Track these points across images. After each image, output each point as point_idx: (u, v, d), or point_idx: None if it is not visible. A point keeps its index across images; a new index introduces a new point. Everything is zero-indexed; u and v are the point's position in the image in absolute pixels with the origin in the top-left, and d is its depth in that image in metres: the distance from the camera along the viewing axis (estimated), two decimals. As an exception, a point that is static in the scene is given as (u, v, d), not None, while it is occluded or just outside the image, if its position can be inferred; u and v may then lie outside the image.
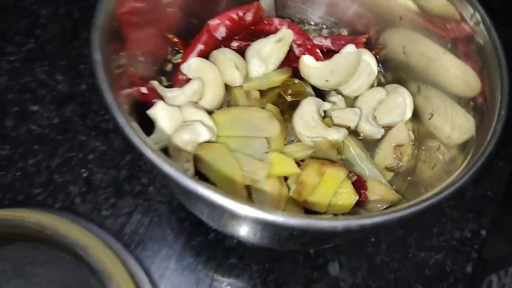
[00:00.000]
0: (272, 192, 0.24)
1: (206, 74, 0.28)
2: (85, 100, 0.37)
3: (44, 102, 0.37)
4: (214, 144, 0.26)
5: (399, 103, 0.29)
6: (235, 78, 0.29)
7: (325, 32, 0.34)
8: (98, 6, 0.22)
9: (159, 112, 0.25)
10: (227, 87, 0.30)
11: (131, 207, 0.34)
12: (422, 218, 0.35)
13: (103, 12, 0.22)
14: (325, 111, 0.29)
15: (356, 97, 0.31)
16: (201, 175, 0.26)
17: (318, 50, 0.31)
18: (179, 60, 0.31)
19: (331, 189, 0.25)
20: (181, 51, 0.31)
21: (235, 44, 0.31)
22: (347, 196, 0.25)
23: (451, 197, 0.19)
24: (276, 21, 0.30)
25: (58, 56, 0.39)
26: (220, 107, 0.29)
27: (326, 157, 0.27)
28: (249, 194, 0.25)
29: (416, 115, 0.31)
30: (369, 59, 0.30)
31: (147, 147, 0.19)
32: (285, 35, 0.30)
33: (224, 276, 0.32)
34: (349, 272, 0.32)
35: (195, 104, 0.27)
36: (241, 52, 0.30)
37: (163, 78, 0.31)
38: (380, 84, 0.33)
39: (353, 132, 0.30)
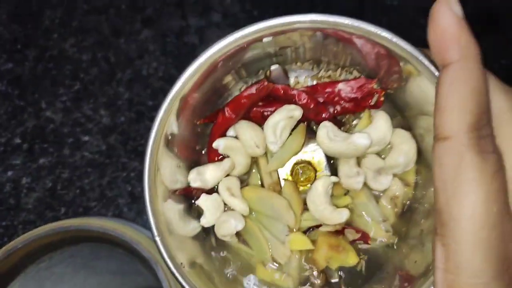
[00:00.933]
0: (294, 268, 0.32)
1: (234, 150, 0.32)
2: (124, 130, 0.47)
3: (92, 133, 0.47)
4: (249, 222, 0.31)
5: (403, 161, 0.31)
6: (257, 153, 0.32)
7: (334, 70, 0.34)
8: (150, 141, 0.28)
9: (203, 203, 0.31)
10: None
11: (166, 212, 0.43)
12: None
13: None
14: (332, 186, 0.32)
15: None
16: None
17: (325, 114, 0.32)
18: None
19: (337, 263, 0.31)
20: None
21: (255, 111, 0.33)
22: (351, 262, 0.31)
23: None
24: (293, 91, 0.32)
25: (99, 95, 0.49)
26: (249, 171, 0.33)
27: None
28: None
29: (420, 155, 0.31)
30: (385, 134, 0.31)
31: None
32: (295, 113, 0.31)
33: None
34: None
35: (230, 187, 0.32)
36: (259, 119, 0.32)
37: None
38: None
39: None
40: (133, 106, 0.48)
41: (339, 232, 0.32)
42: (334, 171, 0.33)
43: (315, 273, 0.32)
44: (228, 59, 0.29)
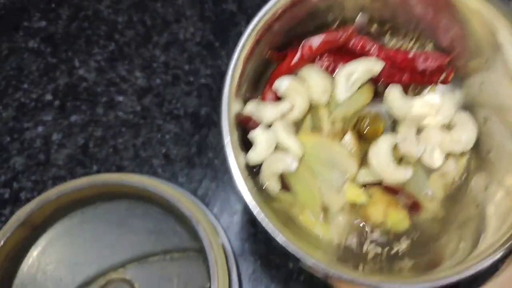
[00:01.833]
0: (342, 220, 0.31)
1: (295, 93, 0.31)
2: (160, 92, 0.46)
3: (127, 94, 0.46)
4: (300, 167, 0.30)
5: (465, 139, 0.31)
6: (321, 100, 0.31)
7: (408, 42, 0.34)
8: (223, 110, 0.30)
9: (258, 136, 0.30)
10: (312, 103, 0.32)
11: (200, 175, 0.42)
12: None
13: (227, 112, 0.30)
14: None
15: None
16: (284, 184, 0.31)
17: (399, 76, 0.32)
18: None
19: (390, 223, 0.30)
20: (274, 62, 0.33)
21: (325, 60, 0.32)
22: (402, 225, 0.30)
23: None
24: (368, 46, 0.32)
25: (135, 57, 0.48)
26: (304, 118, 0.32)
27: (391, 185, 0.31)
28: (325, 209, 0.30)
29: (475, 145, 0.31)
30: (450, 107, 0.31)
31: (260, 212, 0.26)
32: (375, 67, 0.31)
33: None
34: None
35: (287, 126, 0.31)
36: (329, 66, 0.32)
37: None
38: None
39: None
40: (169, 69, 0.47)
41: (394, 192, 0.31)
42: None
43: (367, 228, 0.31)
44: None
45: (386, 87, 0.33)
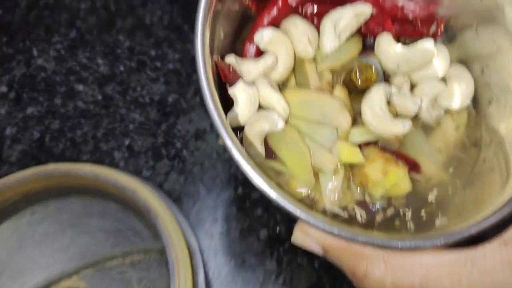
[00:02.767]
0: (337, 180, 0.27)
1: (278, 46, 0.28)
2: (124, 80, 0.42)
3: (87, 82, 0.42)
4: (287, 127, 0.26)
5: (462, 90, 0.29)
6: (307, 52, 0.28)
7: None
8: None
9: (239, 92, 0.26)
10: (297, 58, 0.29)
11: (167, 168, 0.38)
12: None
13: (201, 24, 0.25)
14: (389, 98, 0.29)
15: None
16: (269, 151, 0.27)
17: (390, 24, 0.30)
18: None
19: (390, 184, 0.27)
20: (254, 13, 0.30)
21: (308, 9, 0.30)
22: (403, 188, 0.27)
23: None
24: None
25: (97, 43, 0.44)
26: (289, 77, 0.29)
27: (388, 145, 0.28)
28: (316, 175, 0.27)
29: (474, 98, 0.30)
30: (445, 57, 0.29)
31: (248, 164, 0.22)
32: (364, 11, 0.29)
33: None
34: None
35: (270, 82, 0.28)
36: (313, 17, 0.30)
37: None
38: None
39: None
40: (134, 55, 0.43)
41: (393, 152, 0.27)
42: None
43: (367, 198, 0.27)
44: None
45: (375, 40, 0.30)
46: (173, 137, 0.39)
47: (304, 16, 0.30)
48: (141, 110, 0.41)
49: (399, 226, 0.27)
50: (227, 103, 0.27)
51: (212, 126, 0.40)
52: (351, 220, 0.27)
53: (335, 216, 0.27)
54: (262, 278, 0.34)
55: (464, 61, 0.30)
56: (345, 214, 0.27)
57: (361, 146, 0.27)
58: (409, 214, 0.27)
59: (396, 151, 0.27)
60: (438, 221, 0.26)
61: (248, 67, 0.27)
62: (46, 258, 0.33)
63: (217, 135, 0.37)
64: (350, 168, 0.28)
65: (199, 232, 0.36)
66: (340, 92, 0.28)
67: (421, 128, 0.29)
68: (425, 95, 0.29)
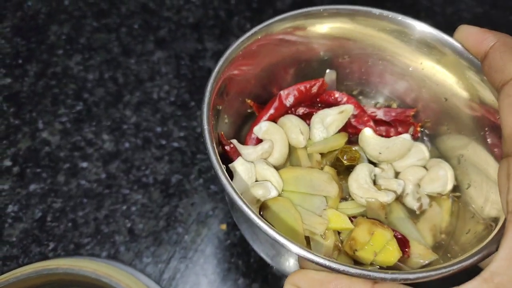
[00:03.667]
0: (328, 244, 0.28)
1: (274, 135, 0.32)
2: (128, 157, 0.42)
3: (92, 159, 0.42)
4: (280, 198, 0.30)
5: (441, 176, 0.32)
6: (299, 141, 0.33)
7: (378, 102, 0.38)
8: (208, 88, 0.27)
9: (238, 166, 0.30)
10: (291, 147, 0.34)
11: (168, 254, 0.38)
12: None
13: (209, 92, 0.27)
14: (374, 178, 0.33)
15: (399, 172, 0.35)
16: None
17: (371, 122, 0.35)
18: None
19: (379, 246, 0.28)
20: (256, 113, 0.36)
21: (300, 110, 0.35)
22: (392, 253, 0.28)
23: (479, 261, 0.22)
24: (337, 94, 0.36)
25: (104, 117, 0.44)
26: (284, 164, 0.33)
27: (375, 217, 0.30)
28: (308, 243, 0.29)
29: (456, 184, 0.33)
30: (423, 148, 0.34)
31: (242, 203, 0.23)
32: (347, 109, 0.34)
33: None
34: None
35: (266, 161, 0.32)
36: (305, 117, 0.35)
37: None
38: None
39: (398, 198, 0.33)
40: (139, 131, 0.43)
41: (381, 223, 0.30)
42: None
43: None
44: (278, 44, 0.32)
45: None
46: (175, 221, 0.39)
47: (297, 114, 0.35)
48: (144, 190, 0.41)
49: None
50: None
51: (214, 210, 0.40)
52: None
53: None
54: None
55: (441, 157, 0.34)
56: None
57: (350, 218, 0.30)
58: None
59: (384, 223, 0.30)
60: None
61: (248, 151, 0.32)
62: None
63: (220, 221, 0.38)
64: (339, 235, 0.30)
65: (198, 325, 0.35)
66: (329, 169, 0.32)
67: (408, 214, 0.32)
68: (409, 180, 0.32)
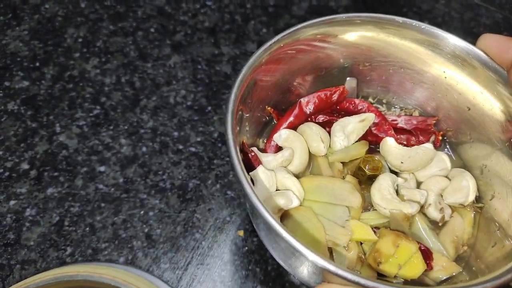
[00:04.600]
0: (351, 256, 0.28)
1: (294, 143, 0.32)
2: (146, 162, 0.42)
3: (109, 163, 0.42)
4: (302, 207, 0.29)
5: (463, 186, 0.32)
6: (320, 149, 0.32)
7: (398, 111, 0.38)
8: (232, 96, 0.27)
9: (260, 174, 0.30)
10: (311, 155, 0.33)
11: (186, 260, 0.38)
12: None
13: (233, 100, 0.27)
14: (396, 188, 0.32)
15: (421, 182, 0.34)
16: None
17: (392, 131, 0.35)
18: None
19: (404, 259, 0.28)
20: (275, 121, 0.36)
21: (320, 118, 0.35)
22: (417, 266, 0.28)
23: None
24: (357, 101, 0.35)
25: (121, 122, 0.44)
26: (304, 172, 0.33)
27: (399, 228, 0.30)
28: (331, 254, 0.29)
29: (479, 195, 0.33)
30: (445, 158, 0.33)
31: (266, 212, 0.23)
32: (368, 117, 0.34)
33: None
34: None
35: (287, 169, 0.31)
36: (325, 125, 0.35)
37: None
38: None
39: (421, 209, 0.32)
40: (157, 136, 0.43)
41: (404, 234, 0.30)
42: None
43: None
44: (299, 51, 0.32)
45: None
46: (192, 227, 0.39)
47: (318, 122, 0.35)
48: (162, 195, 0.40)
49: None
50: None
51: (231, 216, 0.40)
52: None
53: None
54: None
55: (464, 166, 0.34)
56: None
57: (373, 229, 0.30)
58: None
59: (408, 234, 0.29)
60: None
61: (268, 158, 0.31)
62: None
63: (237, 227, 0.38)
64: (363, 247, 0.30)
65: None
66: (351, 179, 0.31)
67: (431, 226, 0.31)
68: (431, 190, 0.32)
